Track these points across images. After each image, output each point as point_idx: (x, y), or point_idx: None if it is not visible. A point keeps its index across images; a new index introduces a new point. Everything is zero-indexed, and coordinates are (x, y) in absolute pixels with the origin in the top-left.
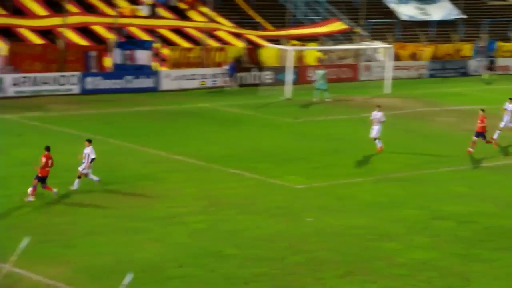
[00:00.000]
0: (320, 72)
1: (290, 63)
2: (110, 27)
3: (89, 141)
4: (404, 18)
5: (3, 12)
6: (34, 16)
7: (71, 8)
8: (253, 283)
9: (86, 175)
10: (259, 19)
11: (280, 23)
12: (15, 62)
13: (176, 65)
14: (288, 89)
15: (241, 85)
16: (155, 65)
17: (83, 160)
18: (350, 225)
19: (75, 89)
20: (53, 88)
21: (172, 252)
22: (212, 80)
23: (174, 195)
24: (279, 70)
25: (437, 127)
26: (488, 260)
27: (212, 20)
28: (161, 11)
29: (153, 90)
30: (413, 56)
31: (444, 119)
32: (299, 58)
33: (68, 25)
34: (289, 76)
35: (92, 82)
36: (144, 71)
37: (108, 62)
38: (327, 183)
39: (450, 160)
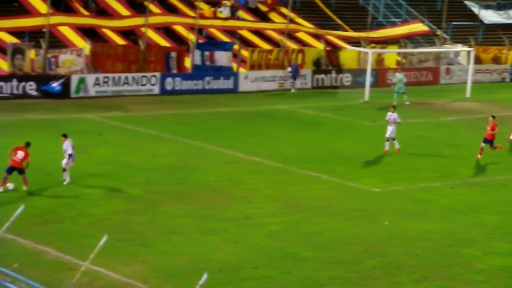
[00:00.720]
0: (399, 75)
1: (369, 66)
2: (191, 28)
3: (65, 136)
4: (486, 21)
5: (86, 13)
6: (117, 16)
7: (153, 8)
8: (328, 286)
9: (64, 169)
10: (339, 21)
11: (360, 26)
12: (97, 62)
13: (255, 66)
14: (366, 91)
15: (319, 87)
16: (234, 66)
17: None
18: (427, 230)
19: (155, 89)
20: (133, 88)
21: (247, 253)
22: (291, 82)
23: (251, 196)
24: (358, 73)
25: None
26: None
27: (292, 22)
28: (241, 13)
29: (232, 91)
30: (496, 60)
31: None
32: (379, 60)
33: (149, 25)
34: (368, 79)
35: (171, 83)
36: (223, 72)
37: (188, 63)
38: (404, 186)
39: None
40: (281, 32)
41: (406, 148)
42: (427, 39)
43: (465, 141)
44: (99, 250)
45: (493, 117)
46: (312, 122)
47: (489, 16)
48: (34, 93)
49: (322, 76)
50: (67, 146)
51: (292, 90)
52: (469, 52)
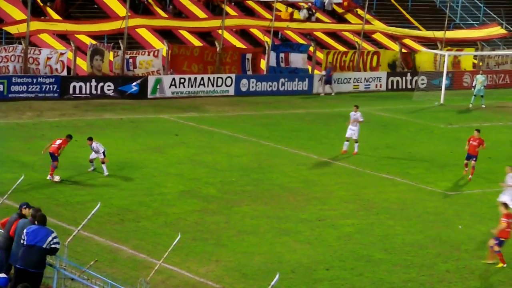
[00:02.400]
0: (481, 77)
1: (445, 68)
2: (267, 30)
3: (90, 139)
4: None
5: (164, 15)
6: (194, 18)
7: (230, 11)
8: None
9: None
10: (415, 23)
11: (437, 27)
12: (174, 63)
13: (331, 68)
14: (442, 94)
15: (394, 90)
16: (309, 68)
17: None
18: None
19: (231, 91)
20: (209, 89)
21: (320, 254)
22: (366, 84)
23: (325, 198)
24: (434, 75)
25: None
26: None
27: (367, 23)
28: (318, 15)
29: (307, 93)
30: None
31: None
32: (455, 63)
33: (226, 28)
34: (443, 81)
35: (247, 84)
36: (298, 74)
37: (263, 64)
38: (480, 190)
39: None
40: (357, 33)
41: (483, 152)
42: (505, 41)
43: None
44: (173, 249)
45: (478, 131)
46: (387, 124)
47: None
48: (111, 93)
49: (398, 78)
50: (97, 147)
51: (323, 94)
52: None
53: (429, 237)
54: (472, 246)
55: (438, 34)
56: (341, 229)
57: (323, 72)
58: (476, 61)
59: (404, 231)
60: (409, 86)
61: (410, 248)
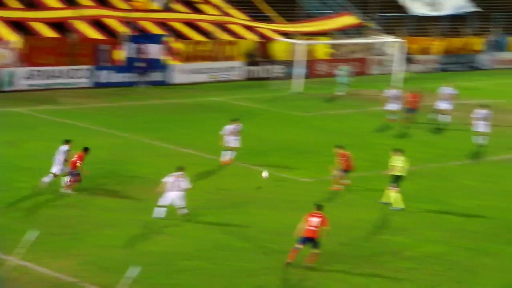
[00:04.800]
0: (344, 67)
1: (301, 57)
2: (123, 21)
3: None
4: (415, 13)
5: (17, 6)
6: (47, 8)
7: (85, 1)
8: (260, 276)
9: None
10: (270, 13)
11: (292, 17)
12: (28, 55)
13: (187, 58)
14: (298, 83)
15: (252, 79)
16: (166, 58)
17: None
18: (358, 219)
19: (87, 82)
20: (65, 81)
21: (181, 245)
22: (223, 74)
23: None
24: (290, 64)
25: (446, 121)
26: (495, 253)
27: (224, 13)
28: (174, 5)
29: (164, 83)
30: (425, 50)
31: (454, 113)
32: (310, 51)
33: (81, 18)
34: (300, 70)
35: (104, 76)
36: (155, 64)
37: (120, 55)
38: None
39: (459, 154)
40: (213, 23)
41: (338, 139)
42: (358, 30)
43: (400, 128)
44: (28, 244)
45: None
46: (245, 113)
47: (417, 8)
48: None
49: (254, 67)
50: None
51: (139, 87)
52: (398, 43)
53: (286, 224)
54: (328, 232)
55: (294, 26)
56: (201, 219)
57: (140, 63)
58: (330, 50)
59: (262, 219)
60: (266, 75)
61: (269, 235)
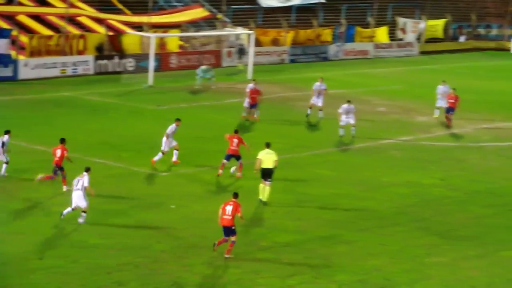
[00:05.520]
0: (204, 67)
1: (152, 50)
2: None
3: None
4: (266, 4)
5: None
6: None
7: None
8: (116, 272)
9: None
10: (120, 5)
11: (141, 10)
12: None
13: (36, 53)
14: (150, 76)
15: (103, 73)
16: (13, 53)
17: None
18: (215, 211)
19: None
20: None
21: (33, 244)
22: (73, 68)
23: (37, 185)
24: (141, 57)
25: (299, 112)
26: (350, 241)
27: (72, 6)
28: None
29: (12, 79)
30: (275, 42)
31: (306, 103)
32: (161, 44)
33: None
34: (151, 63)
35: None
36: (1, 60)
37: None
38: (192, 170)
39: (313, 144)
40: (62, 17)
41: (194, 131)
42: (209, 22)
43: (250, 123)
44: None
45: (236, 131)
46: (97, 108)
47: (267, 0)
48: None
49: (105, 61)
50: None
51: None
52: (249, 34)
53: (143, 219)
54: (185, 225)
55: (145, 18)
56: (54, 216)
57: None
58: (182, 43)
59: (119, 214)
60: (117, 69)
61: (125, 230)
